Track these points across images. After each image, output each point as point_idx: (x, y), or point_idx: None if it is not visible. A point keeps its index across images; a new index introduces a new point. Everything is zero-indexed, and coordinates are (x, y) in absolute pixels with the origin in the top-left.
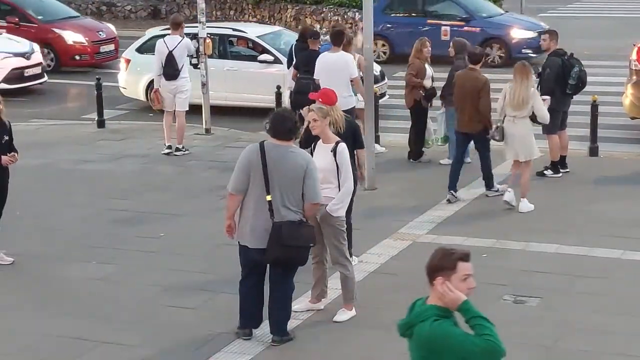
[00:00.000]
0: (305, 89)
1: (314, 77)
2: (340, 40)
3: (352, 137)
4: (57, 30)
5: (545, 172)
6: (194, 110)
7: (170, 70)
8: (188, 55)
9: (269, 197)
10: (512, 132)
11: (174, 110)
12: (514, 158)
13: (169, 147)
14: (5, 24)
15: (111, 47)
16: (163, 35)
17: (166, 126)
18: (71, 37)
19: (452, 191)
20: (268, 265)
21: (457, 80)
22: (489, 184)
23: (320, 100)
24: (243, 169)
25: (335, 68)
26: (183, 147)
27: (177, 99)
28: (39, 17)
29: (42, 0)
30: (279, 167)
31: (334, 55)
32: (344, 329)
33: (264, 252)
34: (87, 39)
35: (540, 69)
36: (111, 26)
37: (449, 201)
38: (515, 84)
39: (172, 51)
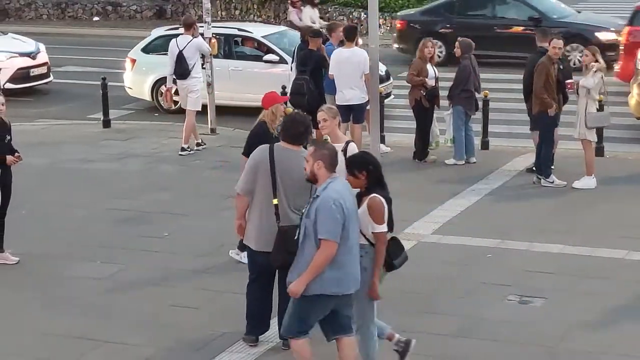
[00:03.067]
0: (300, 89)
1: (329, 72)
2: (353, 35)
3: None
4: None
5: (534, 168)
6: (199, 110)
7: (180, 69)
8: (202, 56)
9: (275, 201)
10: None
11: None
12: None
13: (190, 146)
14: None
15: None
16: (169, 35)
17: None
18: None
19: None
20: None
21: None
22: (545, 173)
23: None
24: (251, 170)
25: (349, 63)
26: (188, 147)
27: (189, 98)
28: None
29: None
30: (287, 171)
31: (348, 51)
32: None
33: (270, 256)
34: None
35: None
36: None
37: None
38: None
39: (182, 51)
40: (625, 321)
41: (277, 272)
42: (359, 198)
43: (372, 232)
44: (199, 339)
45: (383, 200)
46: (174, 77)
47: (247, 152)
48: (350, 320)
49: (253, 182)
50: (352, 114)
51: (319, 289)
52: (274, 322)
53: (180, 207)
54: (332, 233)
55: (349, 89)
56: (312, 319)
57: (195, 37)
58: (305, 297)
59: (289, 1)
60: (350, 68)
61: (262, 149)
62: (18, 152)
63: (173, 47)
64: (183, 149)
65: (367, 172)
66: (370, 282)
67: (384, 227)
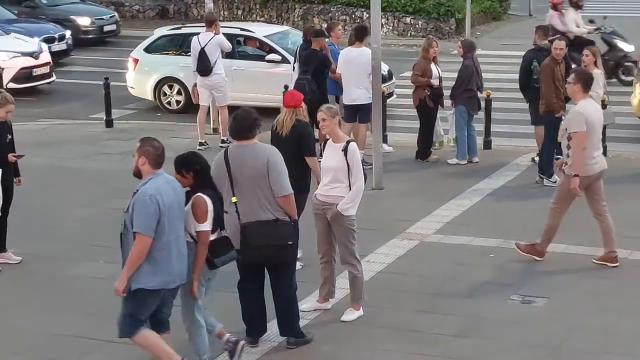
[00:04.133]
0: (302, 89)
1: (337, 71)
2: (362, 35)
3: (297, 142)
4: None
5: (535, 158)
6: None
7: (202, 66)
8: (225, 52)
9: (234, 199)
10: None
11: (208, 106)
12: None
13: (201, 143)
14: None
15: None
16: (171, 35)
17: (199, 122)
18: None
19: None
20: (265, 268)
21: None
22: (547, 173)
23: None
24: (215, 172)
25: (357, 63)
26: (227, 139)
27: (216, 96)
28: None
29: None
30: (240, 166)
31: (357, 51)
32: (351, 328)
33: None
34: None
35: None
36: None
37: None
38: None
39: (203, 48)
40: (628, 321)
41: (267, 273)
42: (188, 197)
43: (195, 231)
44: None
45: (207, 199)
46: (197, 73)
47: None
48: (167, 317)
49: (221, 187)
50: (358, 113)
51: (138, 283)
52: (272, 323)
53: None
54: (145, 227)
55: (356, 89)
56: (142, 314)
57: (217, 34)
58: (130, 293)
59: (550, 3)
60: (357, 67)
61: (219, 154)
62: (22, 155)
63: (195, 44)
64: (223, 141)
65: (194, 172)
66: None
67: (205, 226)
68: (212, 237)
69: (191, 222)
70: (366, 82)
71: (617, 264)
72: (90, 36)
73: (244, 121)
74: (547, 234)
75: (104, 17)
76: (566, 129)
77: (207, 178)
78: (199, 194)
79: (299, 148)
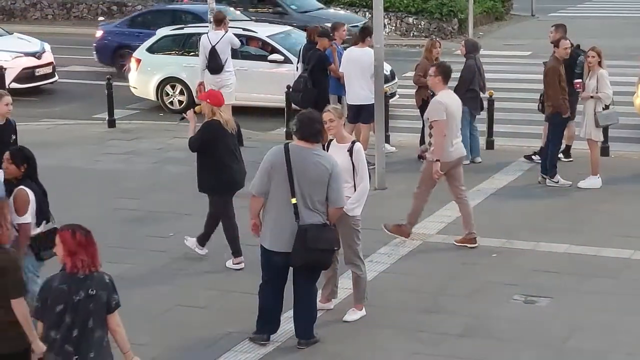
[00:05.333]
0: (297, 87)
1: (340, 71)
2: (365, 35)
3: (238, 137)
4: None
5: (533, 157)
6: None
7: (214, 64)
8: (237, 50)
9: (294, 200)
10: None
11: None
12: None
13: None
14: None
15: None
16: (174, 35)
17: None
18: None
19: (542, 174)
20: (291, 269)
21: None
22: (550, 173)
23: (208, 100)
24: (265, 171)
25: (359, 63)
26: None
27: (223, 93)
28: None
29: None
30: (304, 170)
31: (359, 51)
32: (353, 328)
33: (288, 256)
34: None
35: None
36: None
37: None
38: None
39: (214, 46)
40: (631, 321)
41: (292, 272)
42: (10, 190)
43: (17, 223)
44: (205, 339)
45: (30, 192)
46: (207, 71)
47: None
48: None
49: (267, 184)
50: (361, 114)
51: None
52: (283, 322)
53: (186, 207)
54: None
55: (359, 89)
56: None
57: (227, 32)
58: None
59: None
60: (360, 68)
61: (275, 150)
62: None
63: (205, 42)
64: None
65: (27, 165)
66: None
67: (25, 219)
68: (39, 230)
69: (14, 215)
70: (369, 83)
71: (476, 244)
72: None
73: (316, 124)
74: (412, 216)
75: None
76: (428, 118)
77: (35, 172)
78: (22, 186)
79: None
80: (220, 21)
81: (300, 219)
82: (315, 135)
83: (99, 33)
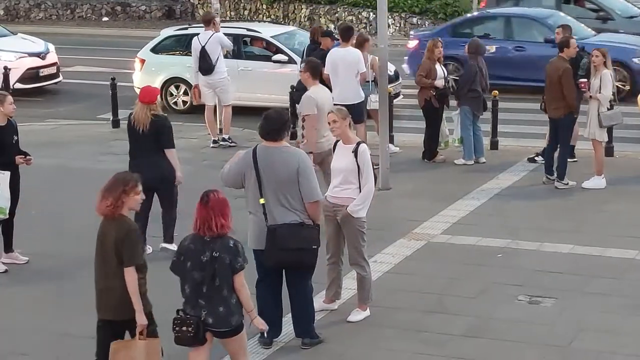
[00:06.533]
0: (298, 86)
1: (325, 72)
2: (348, 35)
3: (155, 136)
4: None
5: (536, 158)
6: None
7: (204, 64)
8: (227, 51)
9: (262, 200)
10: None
11: (215, 105)
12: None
13: (215, 141)
14: None
15: None
16: (178, 35)
17: (208, 122)
18: None
19: (547, 175)
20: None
21: (546, 69)
22: (560, 175)
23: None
24: (238, 168)
25: (344, 63)
26: (229, 138)
27: (219, 95)
28: None
29: None
30: (270, 168)
31: (343, 50)
32: (357, 329)
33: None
34: None
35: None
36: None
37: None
38: None
39: (204, 46)
40: (636, 321)
41: (285, 275)
42: None
43: None
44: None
45: None
46: (200, 73)
47: None
48: None
49: (236, 180)
50: (350, 114)
51: None
52: (285, 324)
53: (189, 207)
54: None
55: (345, 89)
56: None
57: (216, 32)
58: None
59: None
60: (344, 67)
61: (246, 153)
62: (29, 155)
63: (195, 44)
64: (224, 139)
65: None
66: None
67: None
68: None
69: None
70: (355, 82)
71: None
72: None
73: (275, 122)
74: None
75: None
76: (300, 112)
77: None
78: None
79: (158, 142)
80: (209, 21)
81: (269, 219)
82: (274, 133)
83: (412, 43)
